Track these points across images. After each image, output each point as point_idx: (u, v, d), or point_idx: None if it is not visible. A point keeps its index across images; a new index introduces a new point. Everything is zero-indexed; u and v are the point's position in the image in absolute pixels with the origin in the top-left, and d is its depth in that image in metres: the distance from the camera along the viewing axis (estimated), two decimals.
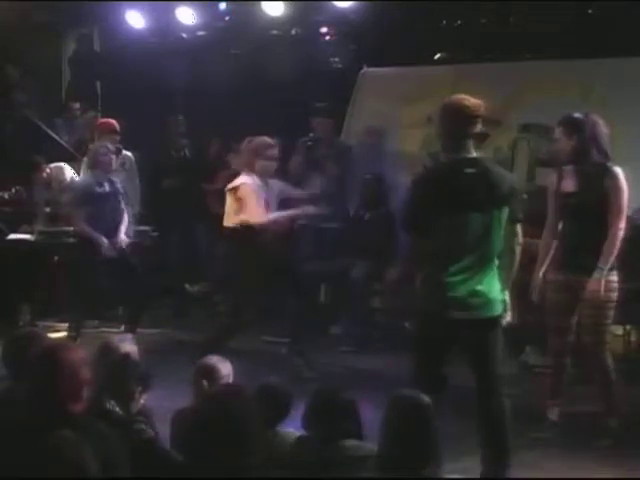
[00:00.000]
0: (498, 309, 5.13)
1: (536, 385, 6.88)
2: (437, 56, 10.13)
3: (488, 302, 5.08)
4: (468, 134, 5.06)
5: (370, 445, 4.16)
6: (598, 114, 6.19)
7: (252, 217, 7.31)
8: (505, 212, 5.08)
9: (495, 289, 5.11)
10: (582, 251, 5.99)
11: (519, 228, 5.21)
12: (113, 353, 4.48)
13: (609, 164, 6.01)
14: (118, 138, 9.44)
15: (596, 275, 5.90)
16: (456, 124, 5.06)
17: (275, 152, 7.55)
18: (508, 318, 5.26)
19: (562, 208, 6.13)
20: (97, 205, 8.41)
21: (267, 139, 7.55)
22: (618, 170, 5.99)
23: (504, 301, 5.17)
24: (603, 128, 6.04)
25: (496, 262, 5.13)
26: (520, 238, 5.21)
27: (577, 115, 6.09)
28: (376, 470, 3.85)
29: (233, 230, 7.42)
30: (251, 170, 7.45)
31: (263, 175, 7.46)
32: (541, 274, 6.21)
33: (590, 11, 9.02)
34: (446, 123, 5.12)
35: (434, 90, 9.52)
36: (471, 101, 5.12)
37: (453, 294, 5.02)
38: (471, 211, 5.00)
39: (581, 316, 6.11)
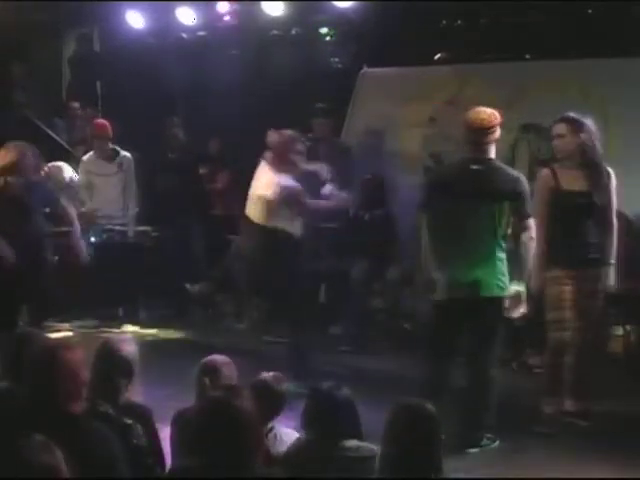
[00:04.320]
0: (496, 291, 5.75)
1: (536, 385, 6.88)
2: (437, 56, 10.12)
3: (485, 284, 5.73)
4: (482, 141, 5.80)
5: (370, 445, 4.16)
6: (598, 114, 6.26)
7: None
8: (506, 207, 5.71)
9: (492, 273, 5.75)
10: (587, 246, 6.16)
11: (531, 223, 5.80)
12: (112, 353, 4.46)
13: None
14: (109, 139, 9.49)
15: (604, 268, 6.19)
16: (469, 132, 5.84)
17: (303, 146, 7.35)
18: (522, 310, 5.83)
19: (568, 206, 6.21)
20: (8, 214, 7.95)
21: (294, 133, 7.35)
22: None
23: (518, 292, 5.76)
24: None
25: (499, 251, 5.78)
26: (532, 233, 5.79)
27: (577, 115, 6.23)
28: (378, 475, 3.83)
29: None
30: (280, 165, 7.21)
31: (293, 170, 7.26)
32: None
33: (590, 11, 9.02)
34: (464, 130, 5.90)
35: (434, 90, 9.55)
36: (485, 114, 5.83)
37: (455, 276, 5.76)
38: (471, 201, 5.73)
39: (584, 308, 6.18)
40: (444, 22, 9.94)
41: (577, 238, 6.18)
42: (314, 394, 4.33)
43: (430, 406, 3.82)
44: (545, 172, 6.34)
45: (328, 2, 9.96)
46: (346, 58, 10.72)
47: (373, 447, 4.10)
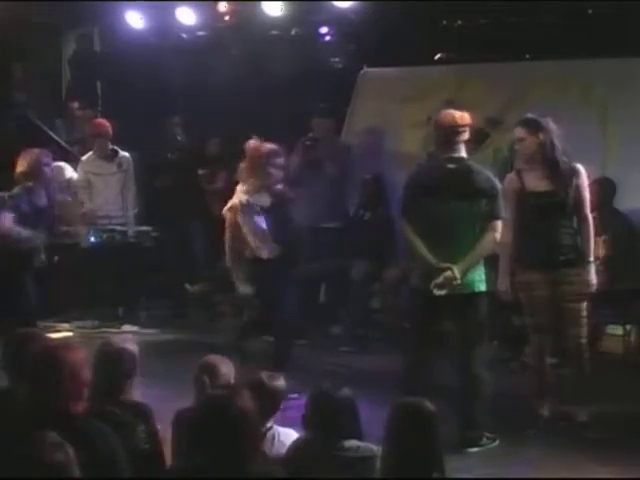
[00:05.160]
0: (476, 287, 5.91)
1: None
2: (437, 56, 10.12)
3: (465, 280, 5.82)
4: (454, 140, 5.95)
5: (370, 445, 4.16)
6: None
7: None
8: (483, 204, 5.86)
9: (472, 270, 5.87)
10: (557, 248, 6.13)
11: (499, 226, 5.92)
12: (112, 353, 4.46)
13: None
14: (109, 138, 9.50)
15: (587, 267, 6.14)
16: (441, 132, 6.03)
17: (283, 160, 7.42)
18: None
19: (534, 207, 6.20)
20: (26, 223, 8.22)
21: (275, 146, 7.37)
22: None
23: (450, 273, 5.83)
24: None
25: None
26: (497, 235, 5.92)
27: (534, 116, 6.25)
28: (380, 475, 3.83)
29: None
30: (256, 178, 7.28)
31: (272, 183, 7.32)
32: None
33: (590, 11, 9.02)
34: (435, 131, 6.15)
35: (434, 90, 9.53)
36: (456, 114, 6.01)
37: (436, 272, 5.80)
38: (448, 199, 5.85)
39: (565, 310, 6.18)
40: (444, 22, 9.95)
41: (546, 240, 6.16)
42: (315, 394, 4.33)
43: (430, 405, 3.83)
44: (510, 175, 6.36)
45: (328, 2, 9.96)
46: (346, 58, 10.73)
47: (373, 447, 4.11)
